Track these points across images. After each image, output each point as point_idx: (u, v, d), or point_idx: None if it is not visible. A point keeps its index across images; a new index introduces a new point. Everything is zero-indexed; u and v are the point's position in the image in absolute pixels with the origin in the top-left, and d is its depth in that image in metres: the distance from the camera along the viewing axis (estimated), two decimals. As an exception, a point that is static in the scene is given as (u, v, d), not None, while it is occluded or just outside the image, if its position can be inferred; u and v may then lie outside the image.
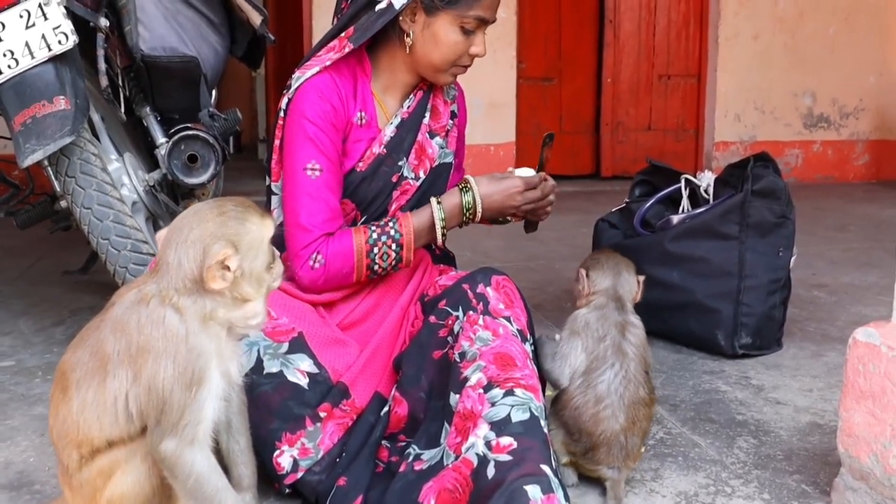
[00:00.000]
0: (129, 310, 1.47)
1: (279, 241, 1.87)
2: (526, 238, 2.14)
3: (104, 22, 2.67)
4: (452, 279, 1.98)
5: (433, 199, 1.99)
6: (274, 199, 2.05)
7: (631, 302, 1.97)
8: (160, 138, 2.94)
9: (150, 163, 3.13)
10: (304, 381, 1.81)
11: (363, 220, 2.04)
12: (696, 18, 7.82)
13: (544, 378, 1.90)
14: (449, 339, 1.81)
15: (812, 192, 6.94)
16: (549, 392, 1.93)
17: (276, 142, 2.01)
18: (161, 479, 1.49)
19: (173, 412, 1.43)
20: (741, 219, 2.80)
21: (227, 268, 1.44)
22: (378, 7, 1.92)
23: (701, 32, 7.84)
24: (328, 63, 1.95)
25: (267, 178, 2.09)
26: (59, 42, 2.50)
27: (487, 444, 1.58)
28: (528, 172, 2.03)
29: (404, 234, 1.94)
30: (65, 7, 2.51)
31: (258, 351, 1.80)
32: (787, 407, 2.41)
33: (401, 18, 1.95)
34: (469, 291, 1.82)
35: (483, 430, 1.61)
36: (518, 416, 1.61)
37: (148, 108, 3.01)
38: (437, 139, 2.10)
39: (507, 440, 1.57)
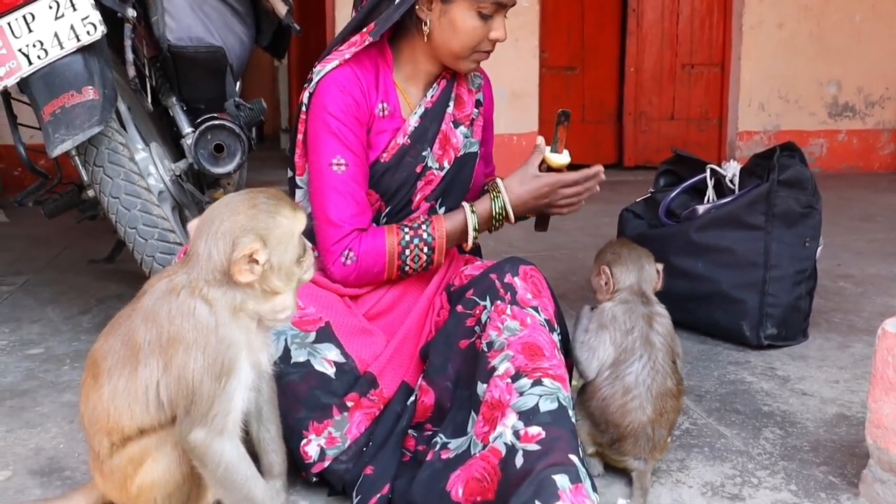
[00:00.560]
0: (160, 300, 1.49)
1: (309, 234, 1.87)
2: (549, 228, 2.13)
3: (131, 12, 2.68)
4: (479, 269, 1.98)
5: (466, 206, 2.00)
6: (299, 193, 2.06)
7: (652, 291, 1.97)
8: (186, 128, 2.96)
9: (176, 152, 3.15)
10: (330, 371, 1.82)
11: (387, 210, 2.04)
12: (719, 7, 7.75)
13: (571, 367, 1.90)
14: (476, 328, 1.81)
15: (837, 181, 6.88)
16: (574, 382, 1.93)
17: (300, 136, 2.02)
18: (191, 468, 1.51)
19: (203, 402, 1.44)
20: (767, 209, 2.78)
21: (256, 261, 1.45)
22: None
23: (725, 21, 7.77)
24: (347, 56, 1.95)
25: (289, 169, 2.10)
26: (88, 32, 2.52)
27: (516, 433, 1.59)
28: (560, 158, 2.01)
29: (436, 237, 1.95)
30: (93, -3, 2.53)
31: (286, 340, 1.82)
32: (813, 398, 2.40)
33: (417, 7, 1.94)
34: (497, 281, 1.82)
35: (511, 419, 1.61)
36: (546, 405, 1.61)
37: (174, 98, 3.03)
38: (462, 128, 2.10)
39: (535, 430, 1.58)
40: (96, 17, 2.53)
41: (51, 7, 2.50)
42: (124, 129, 2.86)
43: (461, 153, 2.10)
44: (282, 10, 3.13)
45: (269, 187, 1.54)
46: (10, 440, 2.12)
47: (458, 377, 1.82)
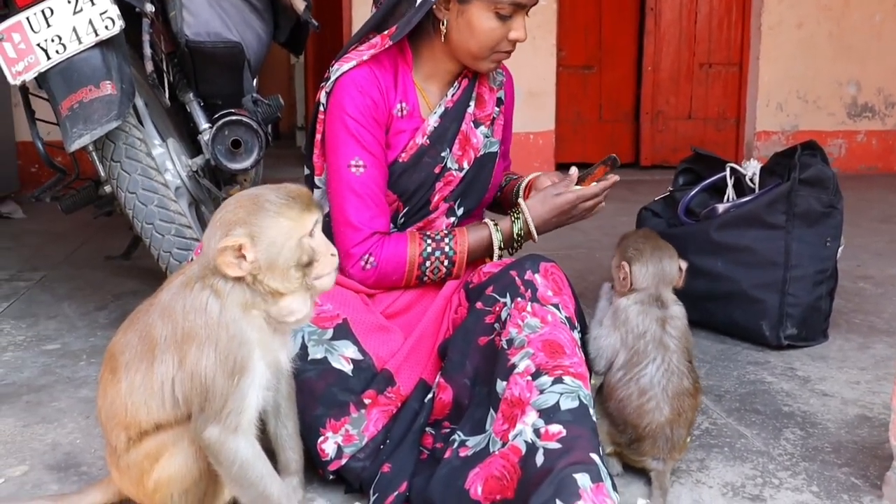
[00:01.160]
0: (176, 294, 1.48)
1: (328, 233, 1.85)
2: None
3: (150, 7, 2.68)
4: (498, 266, 1.96)
5: (491, 224, 2.02)
6: (316, 193, 2.05)
7: (672, 290, 1.94)
8: (203, 124, 2.96)
9: (193, 148, 3.15)
10: (348, 368, 1.81)
11: (405, 210, 2.03)
12: (738, 6, 7.71)
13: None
14: (496, 325, 1.80)
15: (856, 182, 6.83)
16: (592, 381, 1.91)
17: (318, 136, 2.01)
18: (208, 463, 1.50)
19: (216, 400, 1.44)
20: (788, 208, 2.75)
21: (244, 257, 1.43)
22: None
23: (743, 20, 7.72)
24: (366, 58, 1.93)
25: (305, 167, 2.08)
26: (106, 27, 2.52)
27: (536, 431, 1.57)
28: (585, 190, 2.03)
29: (458, 252, 1.97)
30: (111, -8, 2.53)
31: (303, 337, 1.81)
32: (834, 399, 2.38)
33: (434, 7, 1.93)
34: (517, 278, 1.81)
35: (531, 417, 1.59)
36: (567, 403, 1.60)
37: (191, 94, 3.03)
38: (482, 128, 2.08)
39: (556, 428, 1.56)
40: (115, 11, 2.53)
41: (69, 2, 2.50)
42: (141, 124, 2.85)
43: (481, 153, 2.08)
44: (300, 5, 3.13)
45: (298, 185, 1.52)
46: (26, 435, 2.12)
47: (477, 374, 1.81)
